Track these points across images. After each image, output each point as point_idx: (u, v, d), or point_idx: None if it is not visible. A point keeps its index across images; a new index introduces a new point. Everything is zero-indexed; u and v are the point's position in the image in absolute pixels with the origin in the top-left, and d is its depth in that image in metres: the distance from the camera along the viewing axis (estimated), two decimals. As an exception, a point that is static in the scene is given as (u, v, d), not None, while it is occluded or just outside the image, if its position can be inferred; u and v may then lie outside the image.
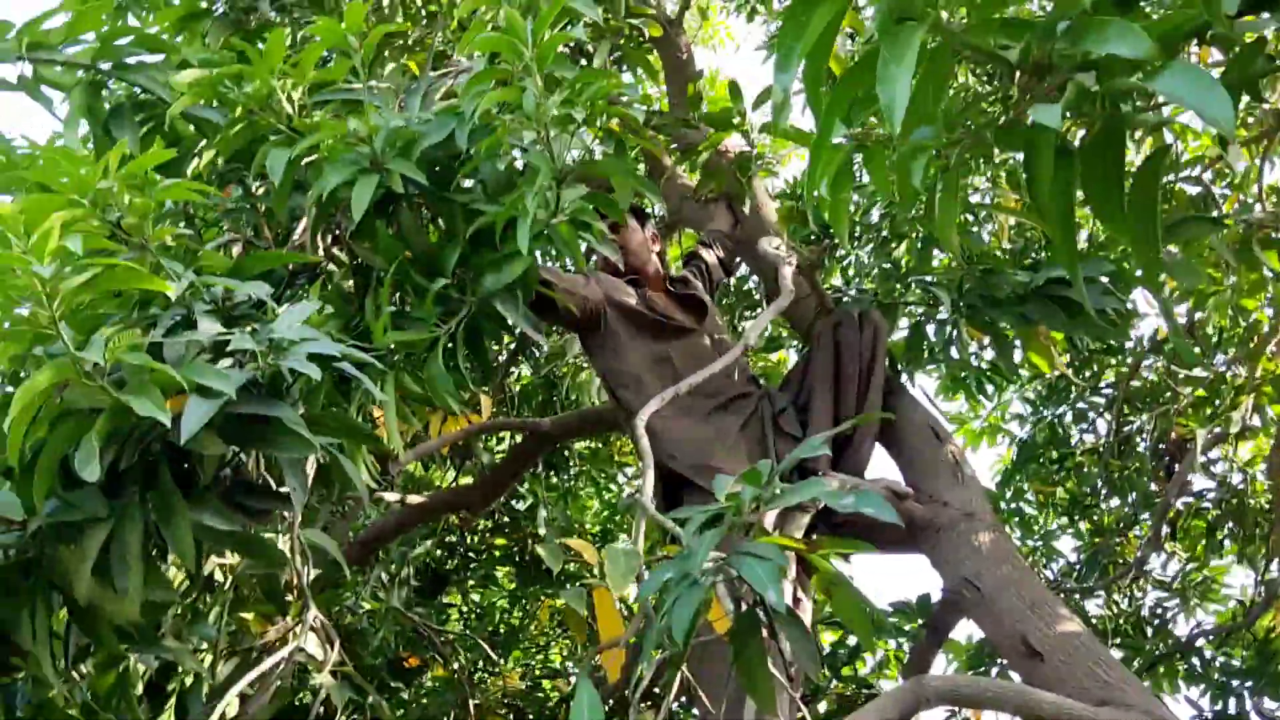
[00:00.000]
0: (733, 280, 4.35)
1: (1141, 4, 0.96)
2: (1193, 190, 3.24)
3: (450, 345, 2.13)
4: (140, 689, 2.32)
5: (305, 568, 2.55)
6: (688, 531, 1.54)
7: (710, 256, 3.30)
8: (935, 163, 1.01)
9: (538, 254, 2.49)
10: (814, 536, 2.58)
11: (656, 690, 1.71)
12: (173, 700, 2.40)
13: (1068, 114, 0.93)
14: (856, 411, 2.79)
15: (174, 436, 1.48)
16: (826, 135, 1.01)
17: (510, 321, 2.18)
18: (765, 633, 1.56)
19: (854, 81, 0.98)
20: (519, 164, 2.30)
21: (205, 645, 2.46)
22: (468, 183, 2.27)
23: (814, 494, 1.54)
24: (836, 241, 3.40)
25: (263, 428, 1.63)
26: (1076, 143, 1.05)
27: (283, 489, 1.84)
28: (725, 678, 2.28)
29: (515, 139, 2.15)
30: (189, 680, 2.42)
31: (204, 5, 2.54)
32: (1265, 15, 0.91)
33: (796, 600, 2.64)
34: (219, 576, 2.61)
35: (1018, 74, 0.95)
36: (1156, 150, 0.95)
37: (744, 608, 1.55)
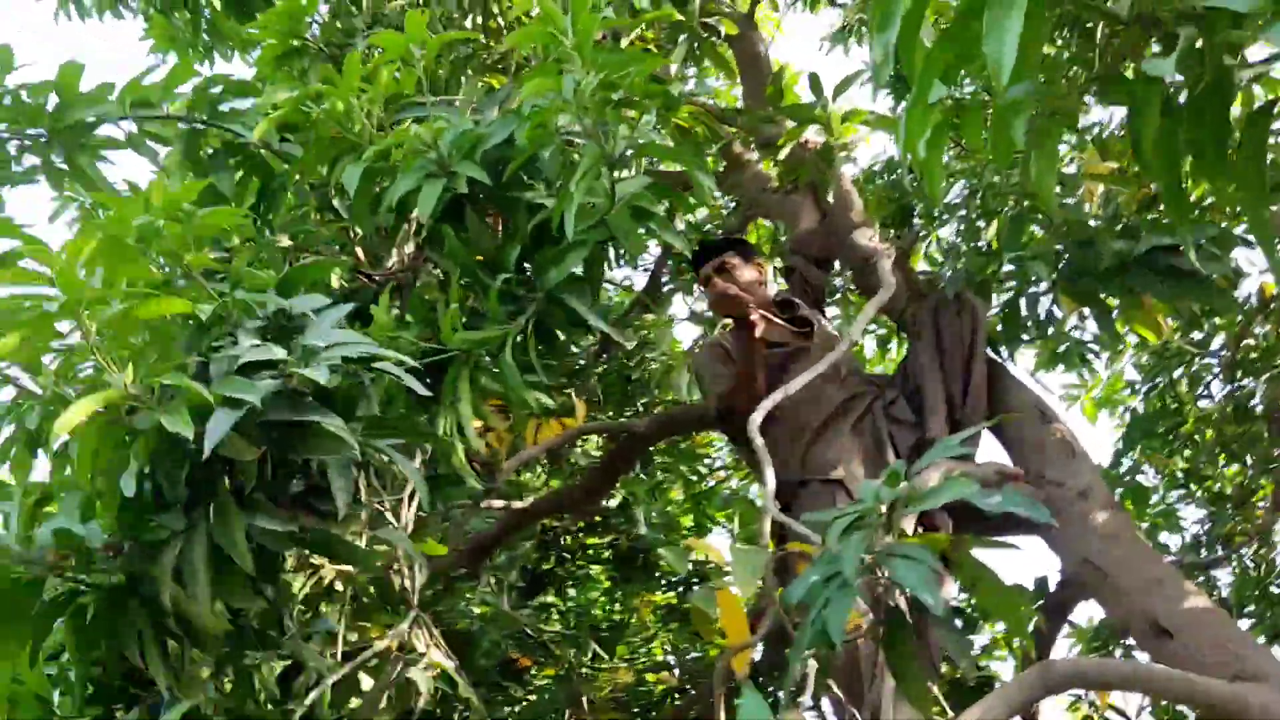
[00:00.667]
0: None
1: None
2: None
3: (522, 342, 2.14)
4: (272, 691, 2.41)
5: (414, 574, 2.64)
6: (831, 534, 1.54)
7: (808, 267, 3.27)
8: (1035, 118, 0.99)
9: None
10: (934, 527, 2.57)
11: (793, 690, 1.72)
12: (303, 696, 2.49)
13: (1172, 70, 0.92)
14: (964, 395, 2.78)
15: (223, 451, 1.59)
16: (923, 94, 1.00)
17: (580, 313, 2.17)
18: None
19: (952, 40, 0.97)
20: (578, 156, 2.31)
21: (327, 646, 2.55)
22: (530, 180, 2.26)
23: (957, 494, 1.51)
24: (922, 229, 3.37)
25: (302, 433, 1.71)
26: (1181, 100, 1.03)
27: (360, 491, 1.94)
28: (856, 676, 2.30)
29: (565, 128, 2.13)
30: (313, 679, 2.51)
31: (296, 44, 2.62)
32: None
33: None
34: (339, 585, 2.71)
35: (1123, 28, 0.94)
36: (1265, 104, 0.93)
37: (891, 608, 1.56)
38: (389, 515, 2.56)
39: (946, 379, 2.82)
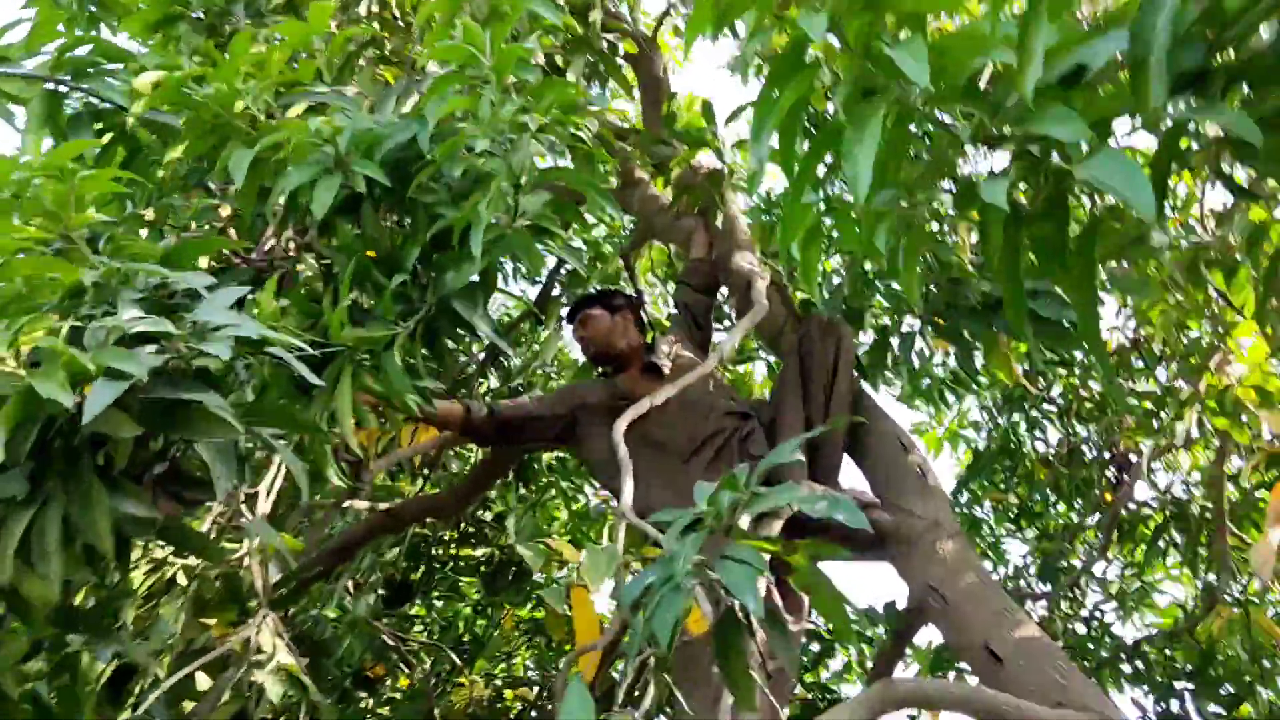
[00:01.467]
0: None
1: (1086, 79, 1.06)
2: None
3: (409, 344, 2.14)
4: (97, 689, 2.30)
5: (265, 570, 2.57)
6: (669, 536, 1.58)
7: (693, 297, 3.40)
8: (899, 221, 1.10)
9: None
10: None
11: (635, 692, 1.77)
12: (130, 700, 2.40)
13: (1017, 183, 1.03)
14: (825, 419, 2.89)
15: (98, 425, 1.48)
16: (797, 197, 1.09)
17: (470, 321, 2.20)
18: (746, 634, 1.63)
19: (820, 150, 1.07)
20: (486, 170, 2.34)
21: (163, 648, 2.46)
22: (432, 185, 2.29)
23: (788, 499, 1.59)
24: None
25: (184, 413, 1.61)
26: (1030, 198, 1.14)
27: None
28: (699, 679, 2.37)
29: (478, 144, 2.18)
30: (147, 683, 2.43)
31: (177, 10, 2.52)
32: (1191, 100, 1.01)
33: (794, 598, 2.74)
34: (181, 579, 2.62)
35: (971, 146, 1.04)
36: (1093, 220, 1.05)
37: (724, 609, 1.61)
38: (244, 508, 2.51)
39: (808, 403, 2.92)
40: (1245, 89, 1.02)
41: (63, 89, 2.26)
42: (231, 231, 2.53)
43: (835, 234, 2.85)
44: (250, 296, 1.90)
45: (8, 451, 1.51)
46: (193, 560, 2.59)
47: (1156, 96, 0.88)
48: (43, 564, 1.61)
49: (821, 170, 1.17)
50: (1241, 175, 1.29)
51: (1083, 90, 1.06)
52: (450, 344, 2.35)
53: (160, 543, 2.49)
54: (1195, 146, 1.12)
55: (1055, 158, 0.98)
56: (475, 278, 2.15)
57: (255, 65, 2.12)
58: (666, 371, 3.08)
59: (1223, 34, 0.98)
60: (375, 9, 3.15)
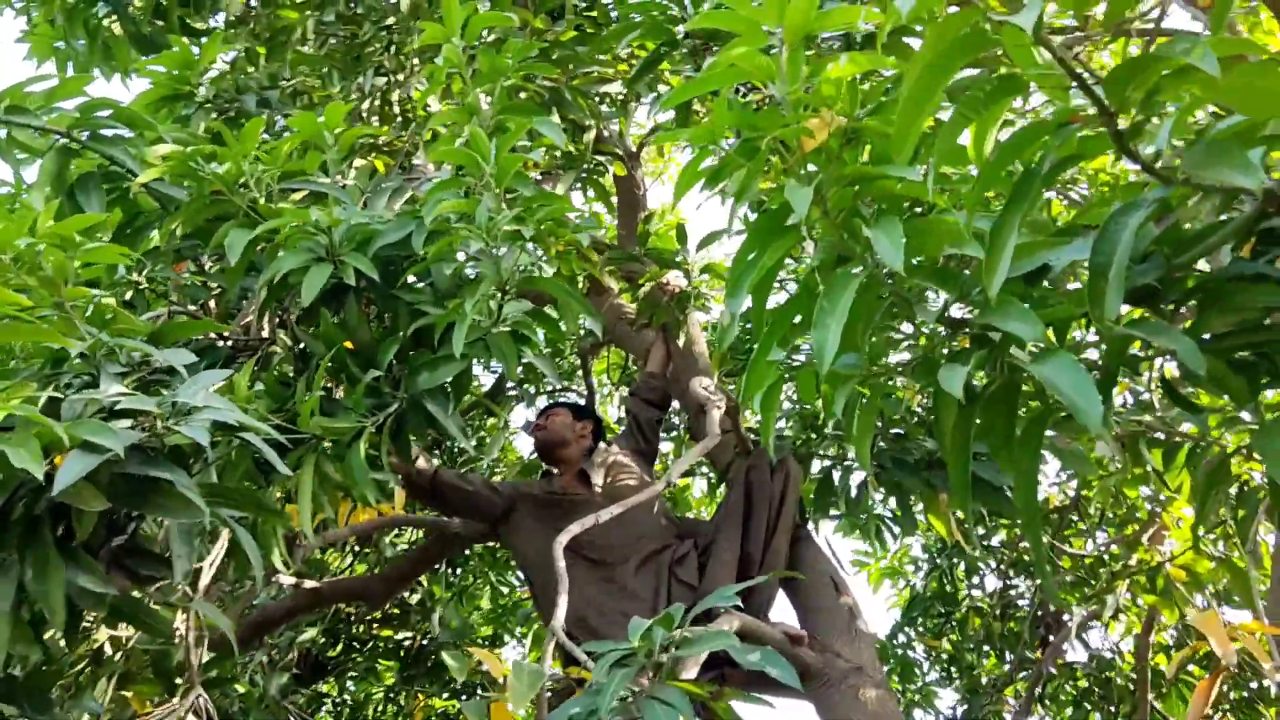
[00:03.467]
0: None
1: (1047, 277, 1.12)
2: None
3: (375, 438, 2.15)
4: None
5: (200, 648, 2.50)
6: (599, 667, 1.59)
7: (641, 409, 3.47)
8: (857, 387, 1.13)
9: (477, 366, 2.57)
10: (716, 676, 2.66)
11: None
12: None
13: (974, 369, 1.07)
14: (763, 553, 2.91)
15: (66, 496, 1.47)
16: (764, 354, 1.13)
17: (440, 421, 2.21)
18: None
19: (792, 312, 1.11)
20: (470, 272, 2.39)
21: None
22: (418, 284, 2.33)
23: (721, 645, 1.61)
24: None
25: (154, 491, 1.61)
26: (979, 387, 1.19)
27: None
28: None
29: (466, 248, 2.23)
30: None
31: (186, 89, 2.59)
32: (1144, 313, 1.07)
33: None
34: (108, 649, 2.53)
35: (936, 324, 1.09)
36: (1041, 413, 1.09)
37: None
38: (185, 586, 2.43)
39: (748, 535, 2.94)
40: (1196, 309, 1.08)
41: (75, 145, 2.27)
42: (212, 305, 2.54)
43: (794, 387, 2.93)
44: (225, 379, 1.90)
45: None
46: (120, 631, 2.50)
47: (1111, 309, 0.93)
48: (-12, 626, 1.58)
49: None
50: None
51: (1043, 289, 1.12)
52: (416, 440, 2.36)
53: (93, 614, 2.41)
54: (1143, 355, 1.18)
55: (1013, 349, 1.03)
56: (449, 379, 2.18)
57: (264, 150, 2.18)
58: (596, 483, 3.15)
59: (1178, 255, 1.05)
60: (377, 103, 3.25)
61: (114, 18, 3.26)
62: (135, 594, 1.89)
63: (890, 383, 1.15)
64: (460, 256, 2.31)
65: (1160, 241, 1.07)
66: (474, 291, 2.04)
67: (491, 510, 3.08)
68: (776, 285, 1.16)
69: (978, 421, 1.13)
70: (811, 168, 1.14)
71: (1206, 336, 1.04)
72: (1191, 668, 3.86)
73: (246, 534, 1.85)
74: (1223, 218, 1.06)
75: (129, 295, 2.31)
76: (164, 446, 1.62)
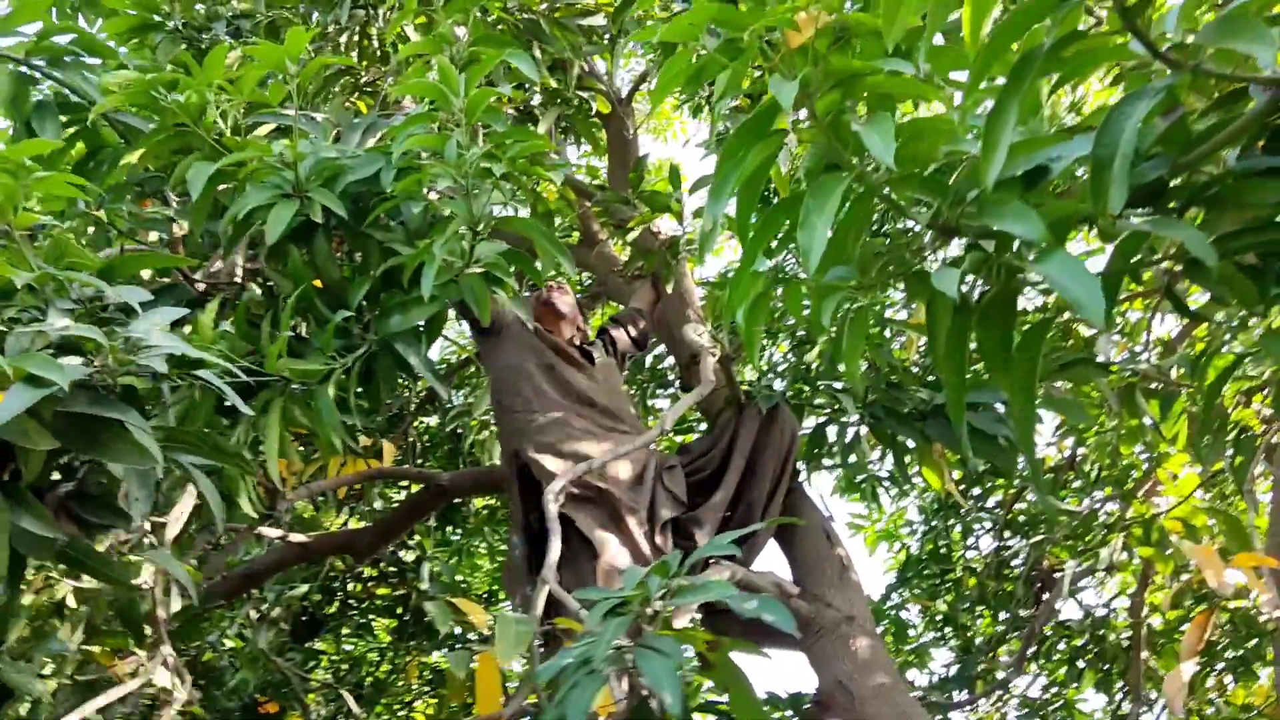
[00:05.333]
0: (648, 359, 4.42)
1: (1048, 180, 1.06)
2: (1088, 331, 3.44)
3: (345, 381, 2.09)
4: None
5: (167, 598, 2.45)
6: (594, 615, 1.53)
7: (621, 334, 3.38)
8: (846, 299, 1.07)
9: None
10: (698, 622, 2.63)
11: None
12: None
13: (968, 275, 1.01)
14: (765, 506, 2.88)
15: (6, 433, 1.41)
16: (748, 264, 1.07)
17: (411, 364, 2.15)
18: None
19: (778, 217, 1.05)
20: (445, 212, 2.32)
21: (48, 670, 2.33)
22: (390, 222, 2.25)
23: (718, 595, 1.56)
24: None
25: (104, 432, 1.53)
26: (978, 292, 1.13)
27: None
28: None
29: (436, 185, 2.15)
30: (26, 707, 2.29)
31: (157, 19, 2.50)
32: (1146, 210, 1.01)
33: None
34: (71, 601, 2.48)
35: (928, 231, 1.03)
36: (1039, 324, 1.03)
37: (638, 699, 1.56)
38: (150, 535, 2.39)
39: (747, 484, 2.90)
40: (1202, 212, 1.02)
41: (34, 74, 2.19)
42: (180, 248, 2.47)
43: (781, 305, 2.87)
44: (190, 317, 1.83)
45: None
46: (86, 582, 2.45)
47: (1115, 202, 0.87)
48: (-72, 572, 1.50)
49: (774, 243, 1.15)
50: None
51: (1041, 193, 1.06)
52: (385, 384, 2.29)
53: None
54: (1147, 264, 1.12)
55: (1009, 256, 0.97)
56: (421, 322, 2.12)
57: (228, 80, 2.08)
58: (596, 357, 3.09)
59: (1184, 154, 0.99)
60: (356, 38, 3.15)
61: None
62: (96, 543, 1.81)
63: (881, 294, 1.09)
64: (433, 196, 2.24)
65: (1165, 141, 1.01)
66: (443, 231, 1.96)
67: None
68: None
69: (973, 336, 1.08)
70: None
71: (1213, 239, 0.98)
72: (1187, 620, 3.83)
73: (207, 481, 1.78)
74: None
75: (90, 230, 2.22)
76: (116, 385, 1.54)
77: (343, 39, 2.92)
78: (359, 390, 2.15)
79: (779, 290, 1.30)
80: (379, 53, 3.07)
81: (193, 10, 2.64)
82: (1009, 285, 1.02)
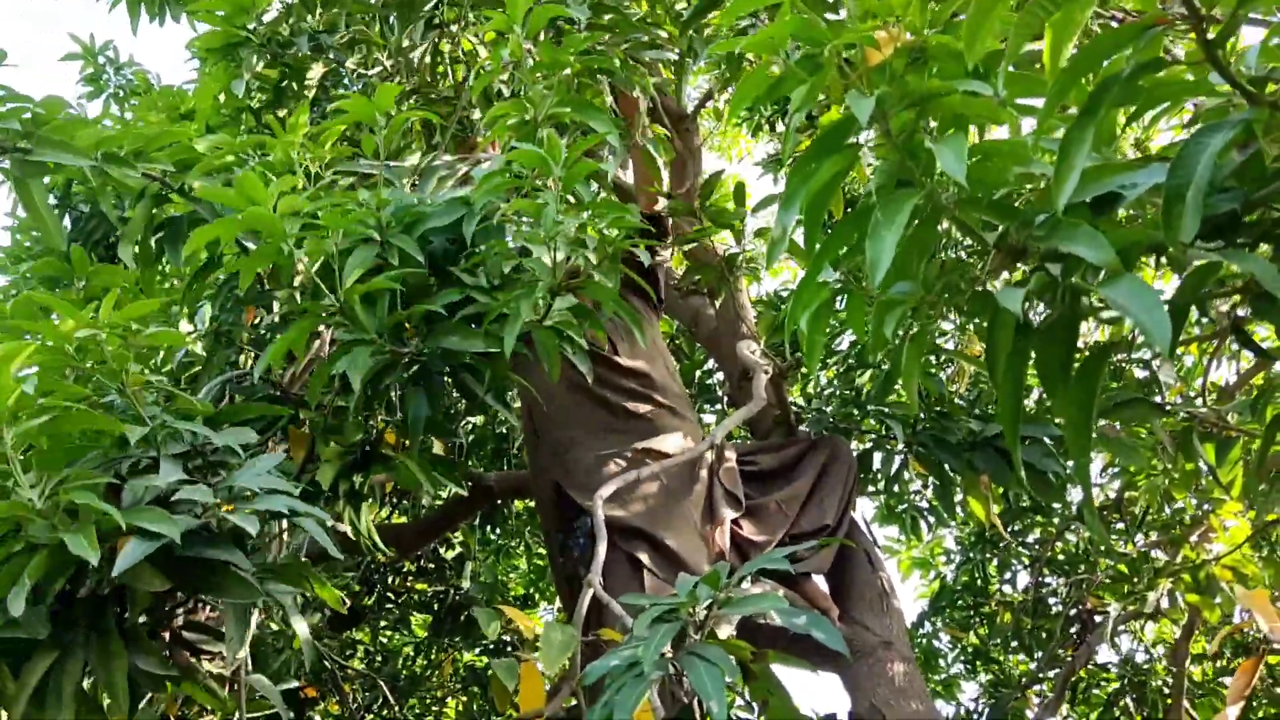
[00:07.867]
0: (696, 375, 4.46)
1: (1118, 208, 1.07)
2: (1142, 374, 3.39)
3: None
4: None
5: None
6: (641, 620, 1.56)
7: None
8: (907, 317, 1.10)
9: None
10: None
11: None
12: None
13: (1032, 297, 1.03)
14: (834, 526, 2.91)
15: (126, 579, 1.55)
16: (815, 274, 1.09)
17: (476, 394, 2.18)
18: None
19: (847, 230, 1.07)
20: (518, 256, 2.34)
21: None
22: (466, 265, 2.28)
23: (767, 607, 1.57)
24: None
25: (212, 574, 1.68)
26: (1039, 317, 1.15)
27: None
28: None
29: (517, 239, 2.18)
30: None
31: (242, 36, 2.59)
32: (1217, 243, 1.02)
33: None
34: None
35: (994, 252, 1.04)
36: (1102, 347, 1.04)
37: (681, 707, 1.58)
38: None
39: (820, 506, 2.94)
40: (1272, 248, 1.03)
41: (170, 194, 2.20)
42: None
43: (844, 318, 2.88)
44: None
45: (35, 595, 1.55)
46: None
47: (1187, 231, 0.88)
48: (55, 709, 1.63)
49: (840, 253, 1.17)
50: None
51: (1110, 220, 1.07)
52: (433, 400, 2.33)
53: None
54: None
55: (1075, 279, 0.98)
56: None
57: (308, 137, 2.15)
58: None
59: (1259, 190, 1.00)
60: (429, 58, 3.21)
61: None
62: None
63: (942, 311, 1.11)
64: (509, 240, 2.26)
65: (1239, 175, 1.02)
66: (530, 293, 1.99)
67: None
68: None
69: (1033, 356, 1.09)
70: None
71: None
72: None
73: (299, 617, 1.94)
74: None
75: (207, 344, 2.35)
76: (221, 529, 1.68)
77: (416, 54, 2.97)
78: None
79: (840, 303, 1.33)
80: (448, 66, 3.14)
81: (279, 28, 2.73)
82: (1074, 308, 1.03)
